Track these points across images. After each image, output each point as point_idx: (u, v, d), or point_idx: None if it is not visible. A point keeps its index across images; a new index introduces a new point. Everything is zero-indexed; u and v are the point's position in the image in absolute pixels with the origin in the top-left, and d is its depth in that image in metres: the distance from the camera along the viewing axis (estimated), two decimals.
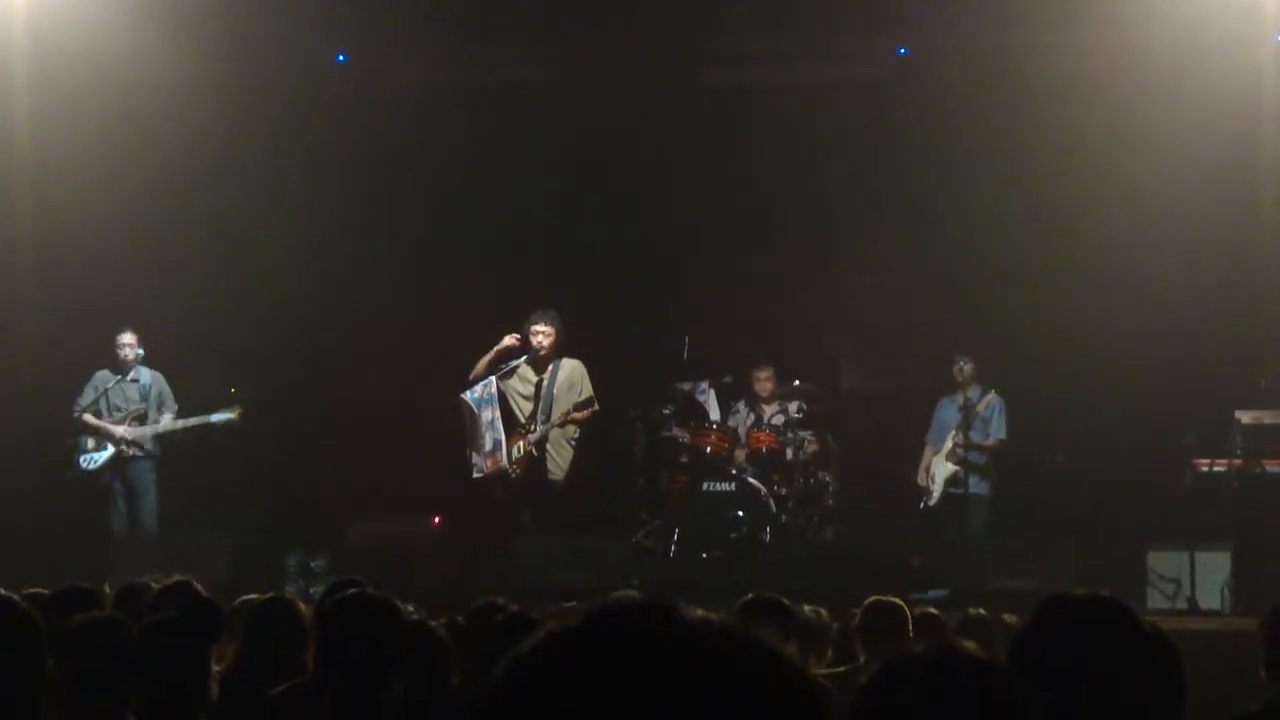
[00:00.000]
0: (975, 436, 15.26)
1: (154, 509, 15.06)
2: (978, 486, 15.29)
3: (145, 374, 15.24)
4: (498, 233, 17.08)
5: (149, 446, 15.14)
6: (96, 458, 15.01)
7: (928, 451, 15.67)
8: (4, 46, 14.79)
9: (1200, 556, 13.86)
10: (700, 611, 1.72)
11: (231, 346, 15.99)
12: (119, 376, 15.17)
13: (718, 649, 1.67)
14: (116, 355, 15.15)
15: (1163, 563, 14.05)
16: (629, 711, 1.62)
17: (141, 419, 15.13)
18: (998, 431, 15.35)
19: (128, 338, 15.14)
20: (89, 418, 15.04)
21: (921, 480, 15.62)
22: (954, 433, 15.26)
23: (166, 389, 15.29)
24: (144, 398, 15.18)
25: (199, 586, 7.08)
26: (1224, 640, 11.91)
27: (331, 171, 16.59)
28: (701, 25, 16.37)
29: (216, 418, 15.12)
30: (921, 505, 15.61)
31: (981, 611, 8.36)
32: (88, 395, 15.10)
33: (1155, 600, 13.84)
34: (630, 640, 1.67)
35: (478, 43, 16.62)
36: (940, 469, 15.39)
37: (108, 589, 8.36)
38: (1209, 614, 13.55)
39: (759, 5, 16.02)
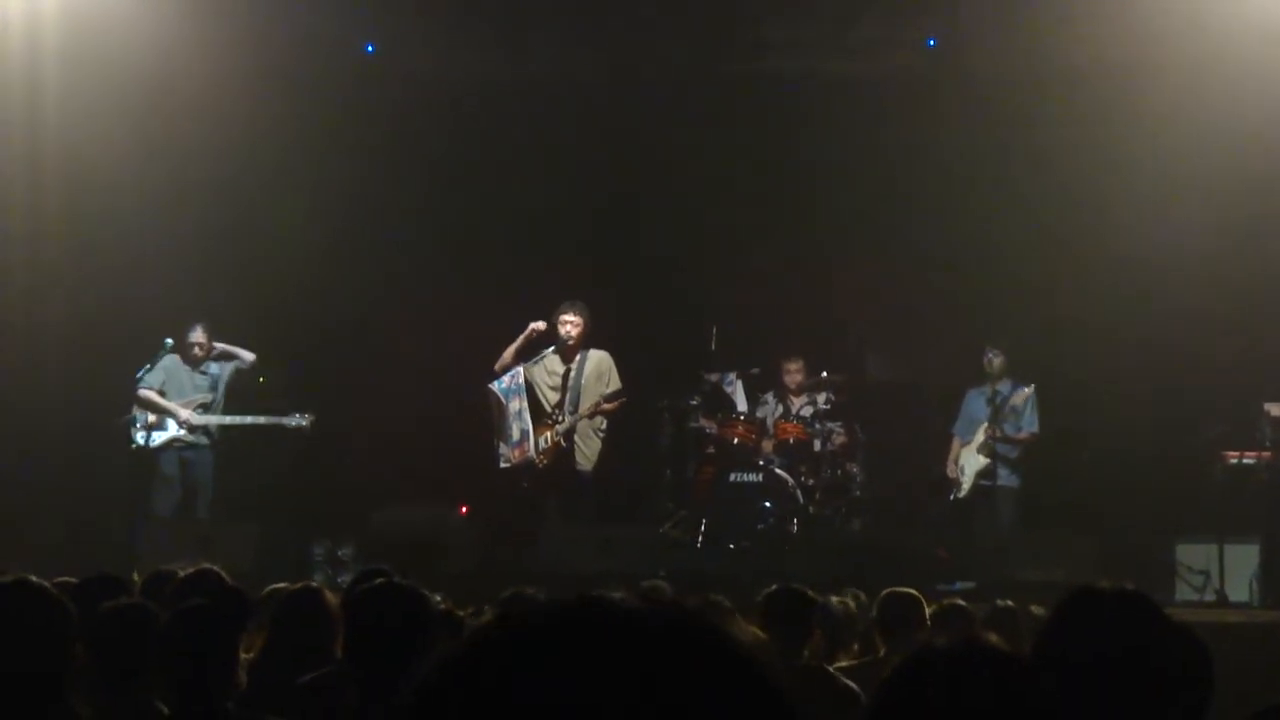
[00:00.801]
0: (1007, 429, 15.19)
1: (209, 499, 15.16)
2: (1007, 479, 15.23)
3: (215, 366, 15.32)
4: (525, 223, 17.10)
5: (214, 434, 15.22)
6: (153, 437, 15.07)
7: (956, 443, 15.61)
8: (35, 41, 14.81)
9: (1229, 549, 13.83)
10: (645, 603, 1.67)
11: (258, 337, 16.01)
12: (189, 367, 15.25)
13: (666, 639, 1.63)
14: (188, 350, 15.21)
15: (1191, 555, 14.02)
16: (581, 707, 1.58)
17: (207, 407, 15.21)
18: (1030, 425, 15.27)
19: (198, 335, 15.21)
20: (154, 396, 15.09)
21: (951, 472, 15.57)
22: (985, 426, 15.20)
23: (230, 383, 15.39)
24: (213, 388, 15.27)
25: (223, 574, 7.10)
26: (1253, 632, 11.89)
27: (359, 162, 16.62)
28: (729, 16, 16.36)
29: (289, 421, 15.21)
30: (951, 497, 15.56)
31: (1009, 603, 8.35)
32: (156, 376, 15.13)
33: (1184, 592, 13.81)
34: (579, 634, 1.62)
35: (503, 35, 16.62)
36: (971, 461, 15.33)
37: (136, 576, 8.39)
38: (1238, 606, 13.53)
39: None
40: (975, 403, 15.46)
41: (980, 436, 15.25)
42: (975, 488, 15.28)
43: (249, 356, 15.33)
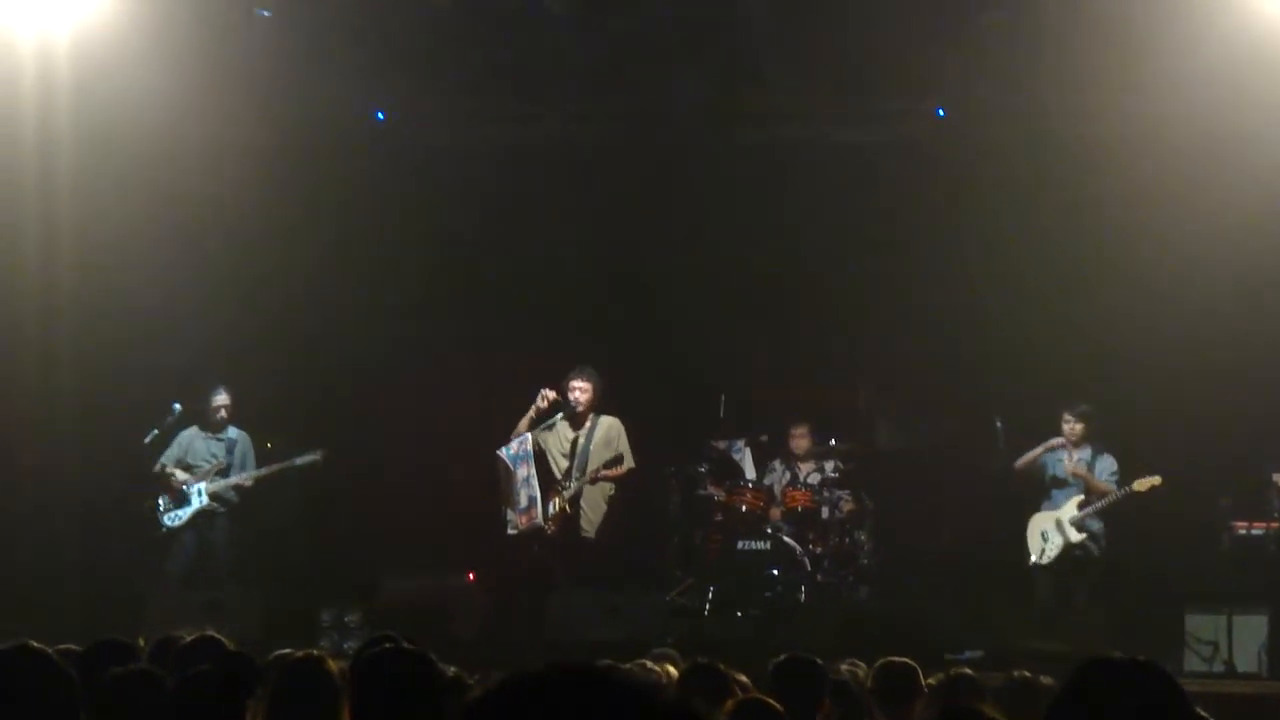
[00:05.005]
0: (1093, 500, 14.94)
1: (224, 562, 15.21)
2: (1095, 547, 14.99)
3: (234, 431, 15.38)
4: (535, 289, 17.13)
5: (230, 500, 15.26)
6: (180, 514, 15.13)
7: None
8: (48, 111, 14.86)
9: (1238, 619, 13.78)
10: (638, 679, 1.70)
11: (267, 402, 16.03)
12: (206, 432, 15.31)
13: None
14: (212, 415, 15.32)
15: (1200, 625, 13.97)
16: None
17: (224, 473, 15.26)
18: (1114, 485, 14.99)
19: (222, 398, 15.32)
20: (175, 471, 15.17)
21: (1036, 539, 15.12)
22: (1077, 499, 14.95)
23: (251, 448, 15.43)
24: (230, 452, 15.32)
25: (224, 640, 7.07)
26: (1261, 704, 11.85)
27: (372, 228, 16.71)
28: (741, 84, 16.40)
29: (300, 460, 15.30)
30: (1032, 562, 15.11)
31: (1026, 674, 8.29)
32: (173, 451, 15.25)
33: (1192, 663, 13.74)
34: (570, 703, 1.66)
35: (513, 102, 16.68)
36: (1061, 533, 14.88)
37: (142, 641, 8.35)
38: (1246, 677, 13.47)
39: (799, 66, 16.02)
40: (1057, 468, 15.14)
41: (1072, 510, 14.97)
42: (1061, 558, 14.98)
43: (253, 473, 15.39)
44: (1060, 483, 15.10)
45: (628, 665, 8.09)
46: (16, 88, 14.66)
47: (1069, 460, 15.04)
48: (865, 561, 15.64)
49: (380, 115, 17.01)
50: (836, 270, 16.83)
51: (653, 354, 16.93)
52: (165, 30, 14.61)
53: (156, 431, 15.21)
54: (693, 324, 16.99)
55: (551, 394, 15.03)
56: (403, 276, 16.94)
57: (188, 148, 15.43)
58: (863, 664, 8.87)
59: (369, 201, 16.66)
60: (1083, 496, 14.95)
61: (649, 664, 8.41)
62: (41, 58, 14.54)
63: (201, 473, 15.23)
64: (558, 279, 17.11)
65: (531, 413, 15.10)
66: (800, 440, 15.96)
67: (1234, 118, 14.87)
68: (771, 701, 6.18)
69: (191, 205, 15.72)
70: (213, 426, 15.36)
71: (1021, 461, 15.21)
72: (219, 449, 15.35)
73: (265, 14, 15.12)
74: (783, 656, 7.39)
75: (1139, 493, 14.56)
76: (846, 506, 15.58)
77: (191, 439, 15.35)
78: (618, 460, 15.02)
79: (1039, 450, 15.16)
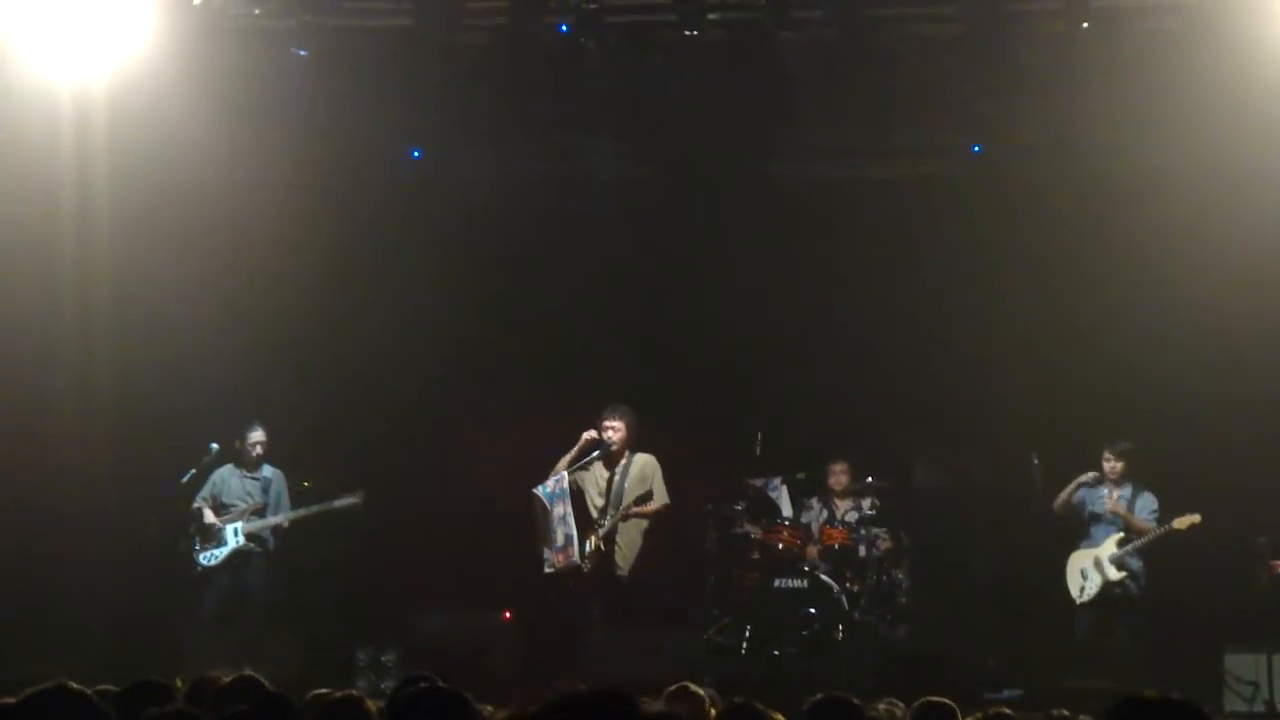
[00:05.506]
0: (1134, 539, 14.91)
1: (261, 605, 15.19)
2: (1135, 589, 14.94)
3: (269, 470, 15.40)
4: (572, 326, 17.13)
5: (268, 540, 15.27)
6: (217, 554, 15.13)
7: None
8: (85, 149, 14.93)
9: (1279, 659, 13.68)
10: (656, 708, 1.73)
11: (303, 440, 16.06)
12: (242, 471, 15.32)
13: None
14: (248, 452, 15.33)
15: (1240, 665, 13.89)
16: None
17: (260, 513, 15.27)
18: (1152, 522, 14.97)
19: (259, 434, 15.34)
20: (209, 513, 15.19)
21: (1075, 577, 15.15)
22: (1117, 536, 14.93)
23: (285, 487, 15.43)
24: (265, 492, 15.34)
25: (263, 681, 7.07)
26: None
27: (406, 266, 16.73)
28: (776, 121, 16.38)
29: (339, 503, 15.30)
30: (1078, 600, 15.09)
31: (1065, 713, 8.25)
32: (207, 489, 15.27)
33: (1232, 703, 13.67)
34: None
35: (550, 139, 16.69)
36: (1100, 571, 14.93)
37: (179, 682, 8.36)
38: None
39: (835, 101, 15.99)
40: (1097, 505, 15.16)
41: (1111, 548, 14.94)
42: (1101, 595, 14.95)
43: (292, 514, 15.39)
44: (1100, 520, 15.06)
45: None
46: (55, 133, 14.73)
47: (1109, 498, 15.03)
48: (903, 600, 15.59)
49: (416, 153, 17.06)
50: (872, 307, 16.78)
51: (690, 392, 16.91)
52: (201, 72, 14.67)
53: (194, 472, 15.24)
54: (730, 362, 16.99)
55: (593, 434, 15.07)
56: (439, 315, 16.97)
57: (224, 188, 15.48)
58: (901, 704, 8.83)
59: (405, 239, 16.71)
60: (1123, 534, 14.91)
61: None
62: (78, 103, 14.61)
63: (238, 512, 15.24)
64: (595, 316, 17.11)
65: (572, 453, 15.14)
66: (840, 477, 15.94)
67: (1274, 150, 14.82)
68: None
69: (227, 245, 15.76)
70: (248, 464, 15.37)
71: (1058, 503, 15.20)
72: (254, 488, 15.35)
73: (302, 54, 15.19)
74: (820, 696, 7.34)
75: (1179, 531, 14.53)
76: (884, 545, 15.53)
77: (226, 477, 15.35)
78: (648, 497, 15.04)
79: (1070, 488, 15.16)
